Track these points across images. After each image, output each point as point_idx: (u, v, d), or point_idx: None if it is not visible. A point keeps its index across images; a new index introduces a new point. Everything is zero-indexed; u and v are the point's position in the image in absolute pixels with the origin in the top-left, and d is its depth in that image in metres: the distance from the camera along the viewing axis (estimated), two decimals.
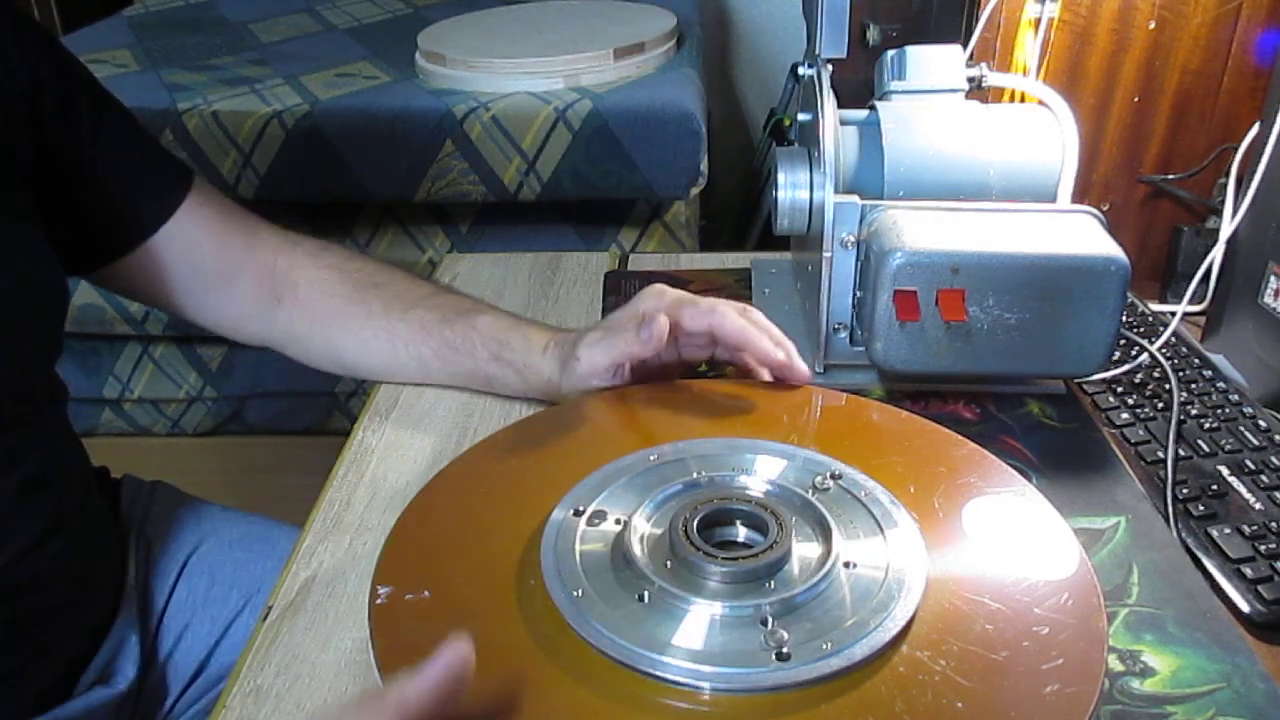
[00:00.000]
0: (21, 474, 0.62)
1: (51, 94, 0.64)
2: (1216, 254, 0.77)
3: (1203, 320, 0.82)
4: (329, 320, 0.72)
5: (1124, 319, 0.70)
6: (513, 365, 0.66)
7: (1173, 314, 0.74)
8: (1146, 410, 0.67)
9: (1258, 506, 0.58)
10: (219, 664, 0.74)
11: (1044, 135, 0.67)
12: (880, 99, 0.71)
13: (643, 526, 0.48)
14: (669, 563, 0.46)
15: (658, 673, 0.41)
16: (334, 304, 0.72)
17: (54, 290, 0.64)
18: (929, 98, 0.70)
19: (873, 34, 1.41)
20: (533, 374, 0.65)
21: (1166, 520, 0.57)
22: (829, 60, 0.66)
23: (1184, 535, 0.56)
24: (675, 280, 0.83)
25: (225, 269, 0.72)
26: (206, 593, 0.76)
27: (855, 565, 0.46)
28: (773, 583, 0.45)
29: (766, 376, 0.62)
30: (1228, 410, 0.67)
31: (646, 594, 0.44)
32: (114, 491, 0.78)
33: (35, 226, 0.63)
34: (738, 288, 0.82)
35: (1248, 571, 0.54)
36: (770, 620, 0.43)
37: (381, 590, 0.46)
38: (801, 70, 0.71)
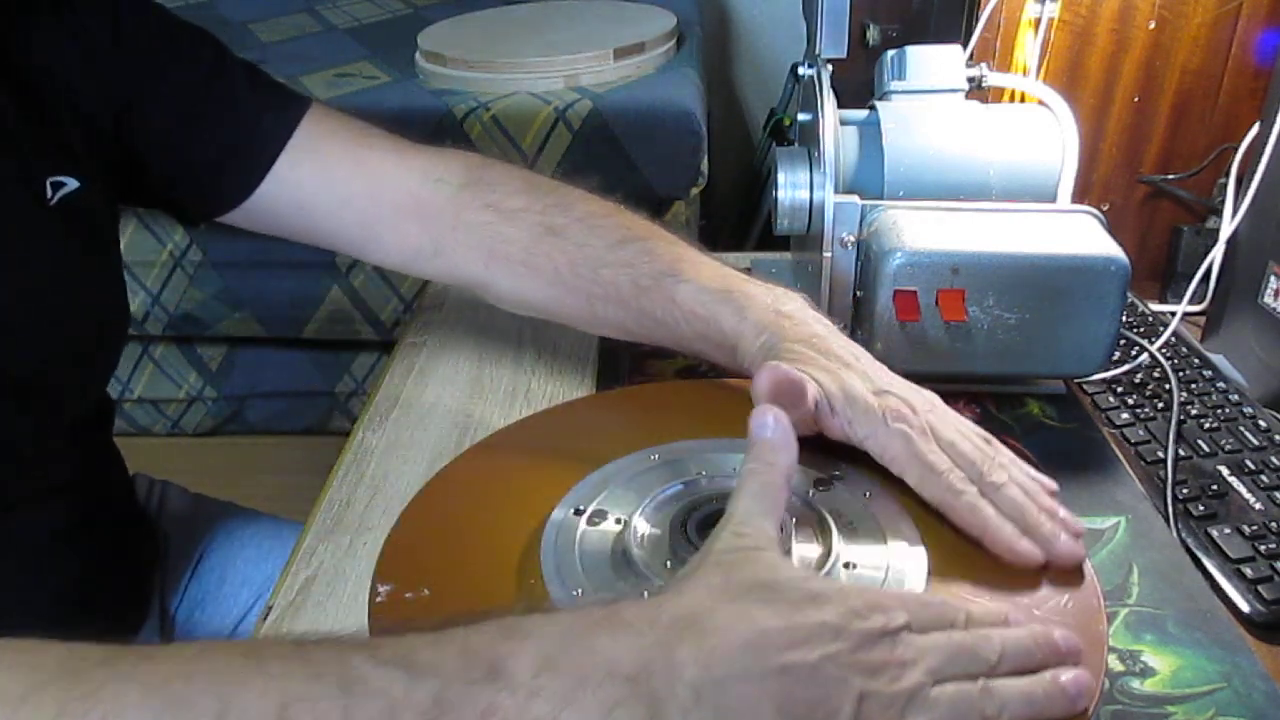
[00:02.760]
0: (78, 500, 0.63)
1: (140, 76, 0.61)
2: (1216, 254, 0.77)
3: (1203, 320, 0.82)
4: (509, 273, 0.64)
5: (1124, 319, 0.70)
6: (722, 348, 0.58)
7: (1173, 314, 0.74)
8: (1146, 410, 0.67)
9: (1258, 506, 0.58)
10: None
11: (1044, 135, 0.67)
12: (880, 99, 0.71)
13: (643, 526, 0.48)
14: (669, 562, 0.46)
15: None
16: (510, 251, 0.63)
17: (118, 318, 0.64)
18: (929, 98, 0.70)
19: (873, 34, 1.41)
20: (743, 356, 0.56)
21: (1166, 520, 0.57)
22: (829, 60, 0.66)
23: (1184, 535, 0.56)
24: None
25: (353, 209, 0.65)
26: (217, 591, 0.76)
27: (855, 566, 0.46)
28: None
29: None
30: (1228, 410, 0.67)
31: (646, 594, 0.44)
32: (129, 488, 0.79)
33: (110, 253, 0.62)
34: None
35: (1248, 571, 0.54)
36: None
37: (381, 588, 0.46)
38: (801, 70, 0.71)
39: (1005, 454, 0.50)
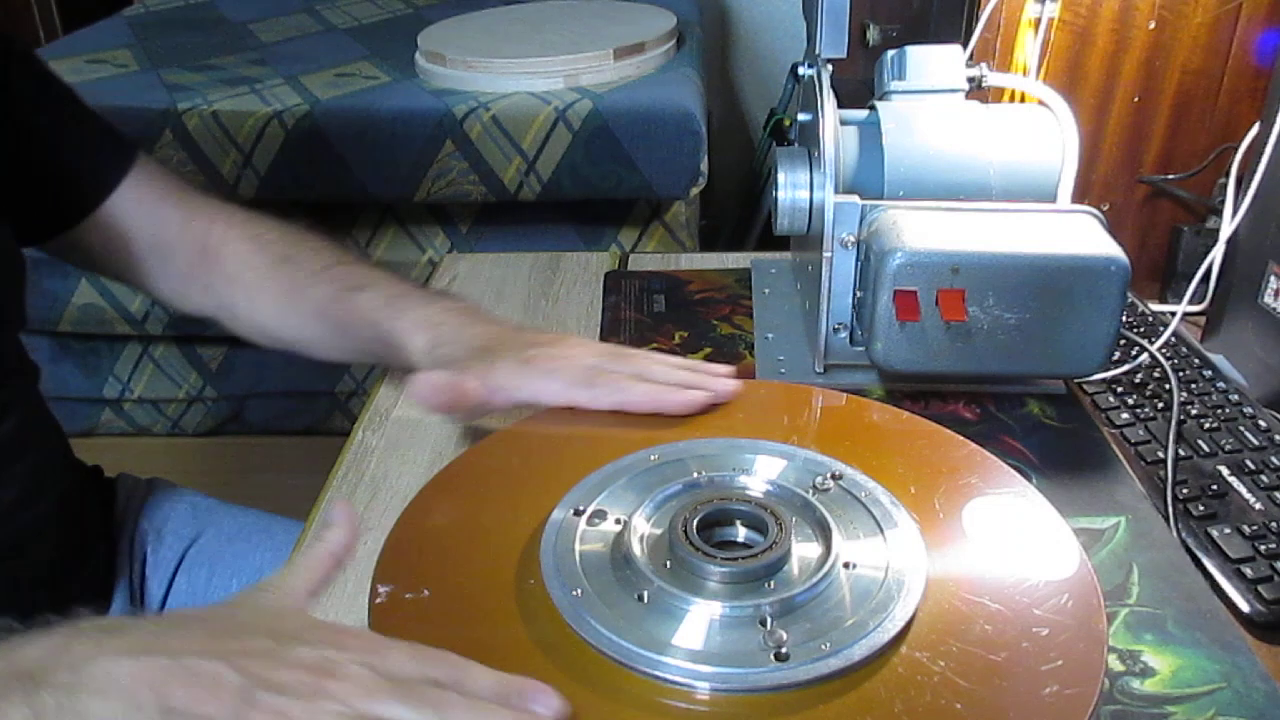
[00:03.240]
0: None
1: None
2: (1216, 254, 0.77)
3: (1203, 320, 0.83)
4: (250, 294, 0.72)
5: (1124, 319, 0.70)
6: (392, 349, 0.64)
7: (1173, 314, 0.74)
8: (1146, 410, 0.67)
9: (1258, 506, 0.58)
10: None
11: (1044, 135, 0.67)
12: (880, 99, 0.71)
13: (642, 526, 0.48)
14: (668, 563, 0.46)
15: (657, 673, 0.41)
16: (251, 277, 0.71)
17: (6, 259, 0.64)
18: (929, 98, 0.70)
19: (873, 34, 1.41)
20: (409, 355, 0.63)
21: (1166, 520, 0.57)
22: (829, 60, 0.66)
23: (1184, 535, 0.56)
24: (675, 280, 0.83)
25: (162, 243, 0.72)
26: (206, 584, 0.76)
27: (855, 566, 0.46)
28: (772, 583, 0.45)
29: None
30: (1228, 410, 0.67)
31: (646, 594, 0.44)
32: (108, 490, 0.79)
33: None
34: (738, 288, 0.82)
35: (1248, 571, 0.54)
36: (769, 620, 0.43)
37: (381, 589, 0.46)
38: (801, 70, 0.71)
39: (640, 352, 0.62)
